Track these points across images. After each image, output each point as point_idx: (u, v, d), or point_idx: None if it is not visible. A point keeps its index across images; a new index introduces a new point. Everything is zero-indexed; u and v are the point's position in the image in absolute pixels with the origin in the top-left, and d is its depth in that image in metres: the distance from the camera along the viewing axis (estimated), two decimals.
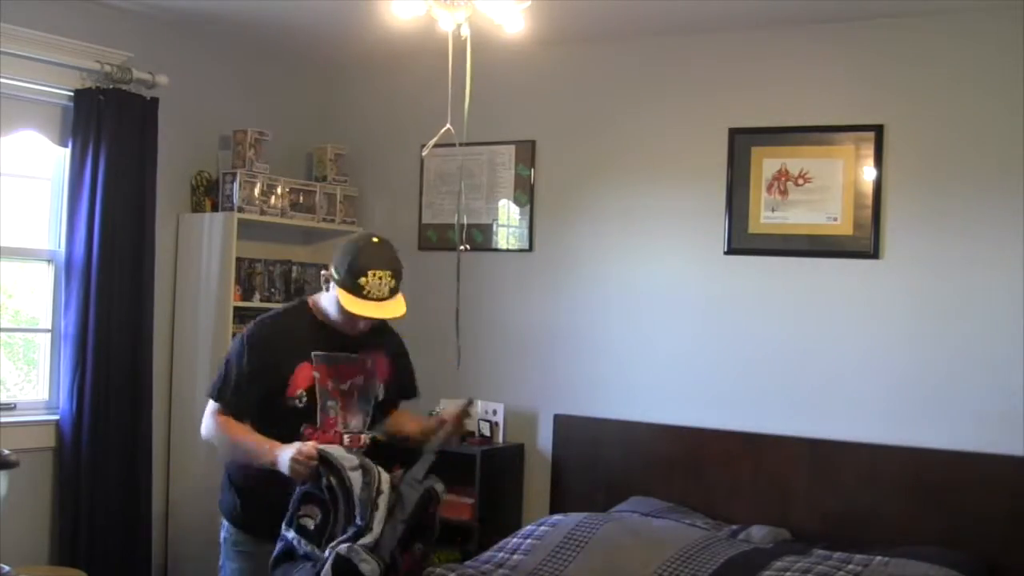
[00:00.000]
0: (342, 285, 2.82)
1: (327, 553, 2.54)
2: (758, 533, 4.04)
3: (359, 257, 2.83)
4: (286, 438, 2.77)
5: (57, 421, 4.29)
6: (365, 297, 2.81)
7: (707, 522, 4.19)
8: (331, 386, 2.92)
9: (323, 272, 2.93)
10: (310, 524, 2.65)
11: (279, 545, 2.70)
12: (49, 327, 4.39)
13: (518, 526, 4.52)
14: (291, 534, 2.68)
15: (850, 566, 3.63)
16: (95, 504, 4.27)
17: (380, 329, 3.03)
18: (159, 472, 4.63)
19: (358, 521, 2.59)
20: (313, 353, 2.90)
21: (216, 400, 2.91)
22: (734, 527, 4.13)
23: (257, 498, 2.92)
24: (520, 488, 4.85)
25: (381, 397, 3.07)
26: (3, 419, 4.11)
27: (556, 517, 4.20)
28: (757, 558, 3.73)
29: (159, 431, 4.63)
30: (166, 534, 4.71)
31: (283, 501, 2.73)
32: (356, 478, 2.66)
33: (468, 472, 4.60)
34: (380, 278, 2.81)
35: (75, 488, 4.24)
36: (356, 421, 2.98)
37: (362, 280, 2.79)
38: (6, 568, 3.55)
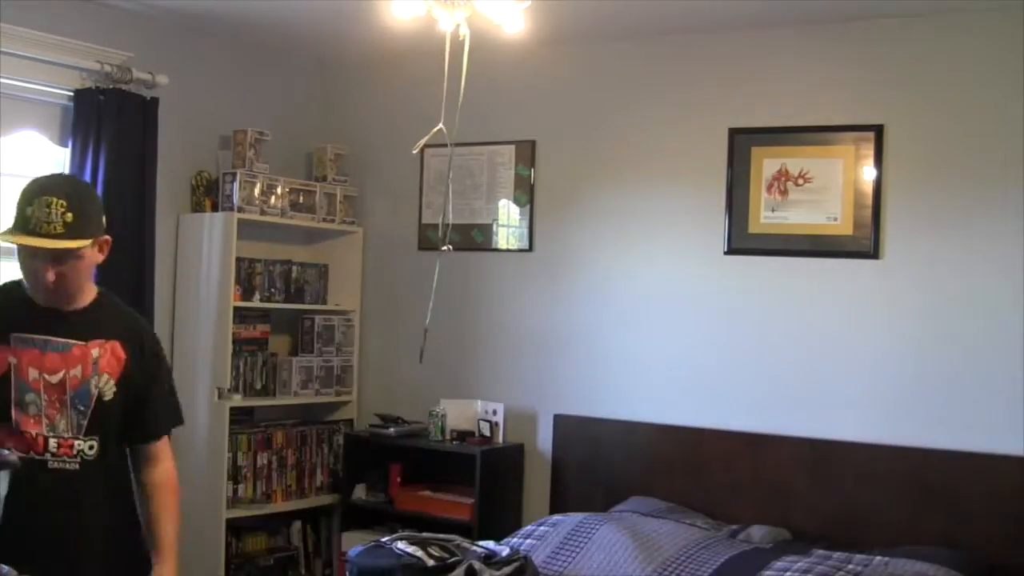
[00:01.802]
0: (11, 226, 2.34)
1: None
2: (758, 533, 4.04)
3: (29, 186, 2.38)
4: None
5: None
6: (31, 232, 2.29)
7: (707, 522, 4.19)
8: (33, 376, 2.39)
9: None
10: None
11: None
12: None
13: (518, 526, 4.52)
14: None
15: (850, 566, 3.63)
16: None
17: (119, 314, 2.56)
18: None
19: None
20: (12, 334, 2.38)
21: None
22: (734, 527, 4.13)
23: None
24: (520, 488, 4.85)
25: (110, 397, 2.50)
26: None
27: (556, 517, 4.21)
28: (757, 558, 3.73)
29: None
30: None
31: None
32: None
33: (468, 472, 4.60)
34: (50, 206, 2.29)
35: None
36: (65, 423, 2.43)
37: (28, 210, 2.30)
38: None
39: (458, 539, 3.79)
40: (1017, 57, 3.93)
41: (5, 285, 2.57)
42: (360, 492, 4.96)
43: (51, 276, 2.34)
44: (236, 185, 4.69)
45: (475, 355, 4.98)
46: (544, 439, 4.84)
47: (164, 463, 2.73)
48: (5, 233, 2.33)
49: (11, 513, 2.19)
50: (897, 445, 4.06)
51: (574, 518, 4.11)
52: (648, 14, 4.35)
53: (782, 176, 4.38)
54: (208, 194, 4.81)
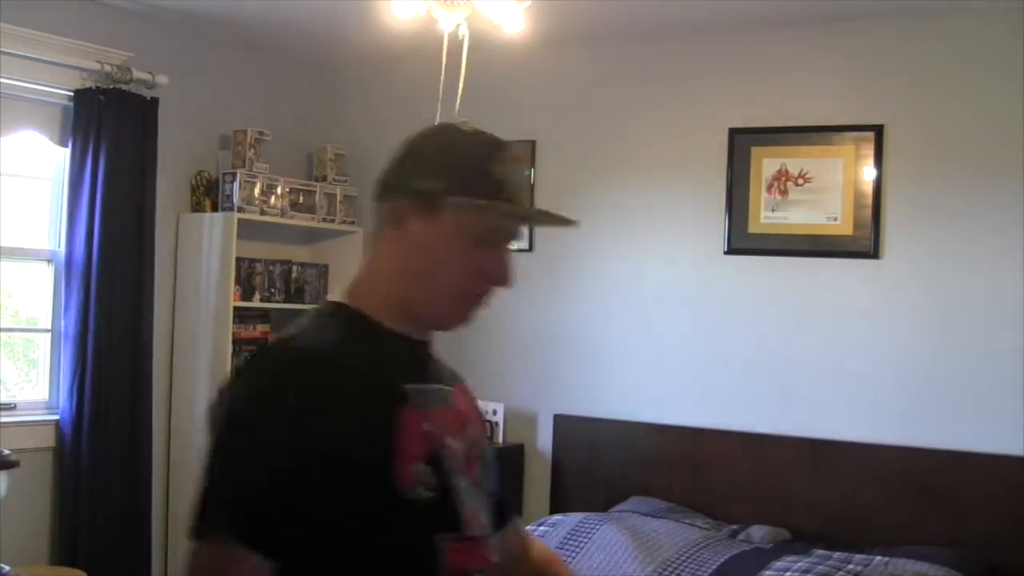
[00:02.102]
0: (467, 191, 1.43)
1: None
2: (758, 533, 4.04)
3: (480, 142, 1.55)
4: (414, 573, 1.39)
5: (57, 421, 4.29)
6: (512, 201, 1.46)
7: (707, 522, 4.19)
8: (453, 447, 1.47)
9: (395, 207, 1.47)
10: None
11: None
12: (49, 327, 4.39)
13: None
14: None
15: (850, 566, 3.63)
16: (95, 504, 4.27)
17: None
18: (159, 472, 4.63)
19: None
20: (406, 387, 1.44)
21: (221, 536, 1.32)
22: (734, 527, 4.13)
23: None
24: (520, 488, 4.85)
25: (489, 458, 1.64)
26: (3, 419, 4.11)
27: (556, 517, 4.21)
28: (757, 558, 3.73)
29: (159, 431, 4.62)
30: (166, 534, 4.71)
31: None
32: None
33: None
34: (517, 164, 1.55)
35: (75, 488, 4.24)
36: (484, 514, 1.51)
37: (498, 170, 1.47)
38: (6, 568, 3.55)
39: None
40: (1017, 57, 3.93)
41: (322, 323, 1.46)
42: None
43: (509, 272, 1.51)
44: (236, 185, 4.69)
45: (475, 355, 4.96)
46: (544, 439, 4.84)
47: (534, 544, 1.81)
48: (484, 205, 1.43)
49: None
50: (897, 445, 4.06)
51: (574, 518, 4.11)
52: (648, 14, 4.35)
53: (782, 176, 4.38)
54: (208, 194, 4.81)
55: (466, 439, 1.50)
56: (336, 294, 1.51)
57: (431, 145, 1.54)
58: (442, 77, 3.01)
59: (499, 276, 1.50)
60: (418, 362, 1.50)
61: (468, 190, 1.43)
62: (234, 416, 1.35)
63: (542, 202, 4.88)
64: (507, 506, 1.64)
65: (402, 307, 1.47)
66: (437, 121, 2.76)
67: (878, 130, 4.19)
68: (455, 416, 1.50)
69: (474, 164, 1.46)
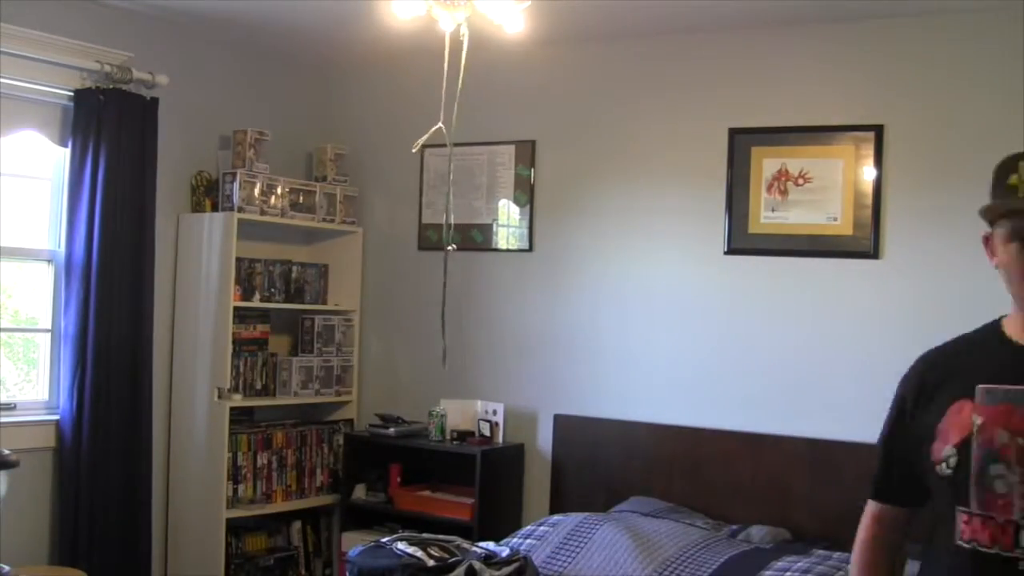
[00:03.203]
0: (1003, 209, 1.83)
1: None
2: (758, 533, 4.04)
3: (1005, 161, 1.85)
4: (931, 536, 1.86)
5: (57, 421, 4.29)
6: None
7: (707, 522, 4.19)
8: (1001, 439, 1.75)
9: (983, 234, 1.94)
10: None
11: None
12: (49, 327, 4.39)
13: (518, 526, 4.52)
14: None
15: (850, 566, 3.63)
16: (95, 504, 4.27)
17: None
18: (159, 472, 4.64)
19: None
20: (978, 386, 1.80)
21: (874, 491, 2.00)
22: (734, 527, 4.13)
23: None
24: (520, 488, 4.85)
25: None
26: (3, 419, 4.11)
27: (556, 517, 4.21)
28: (757, 558, 3.73)
29: (159, 431, 4.63)
30: (166, 534, 4.71)
31: None
32: None
33: (468, 472, 4.60)
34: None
35: (75, 488, 4.24)
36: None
37: (1013, 177, 1.82)
38: (6, 568, 3.55)
39: (458, 540, 3.80)
40: (1017, 57, 3.93)
41: (980, 328, 2.05)
42: (360, 492, 4.96)
43: None
44: (236, 185, 4.69)
45: (475, 355, 4.97)
46: (544, 439, 4.84)
47: None
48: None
49: None
50: None
51: (574, 518, 4.11)
52: (648, 14, 4.35)
53: (782, 176, 4.38)
54: (208, 194, 4.81)
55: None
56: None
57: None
58: (444, 77, 3.00)
59: None
60: (1012, 364, 1.85)
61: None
62: None
63: (542, 201, 4.89)
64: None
65: None
66: (441, 121, 2.86)
67: (878, 130, 4.19)
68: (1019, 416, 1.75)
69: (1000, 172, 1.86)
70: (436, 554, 3.39)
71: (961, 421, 1.79)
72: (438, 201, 5.13)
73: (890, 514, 2.00)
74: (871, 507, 2.01)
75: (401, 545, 3.63)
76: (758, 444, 4.32)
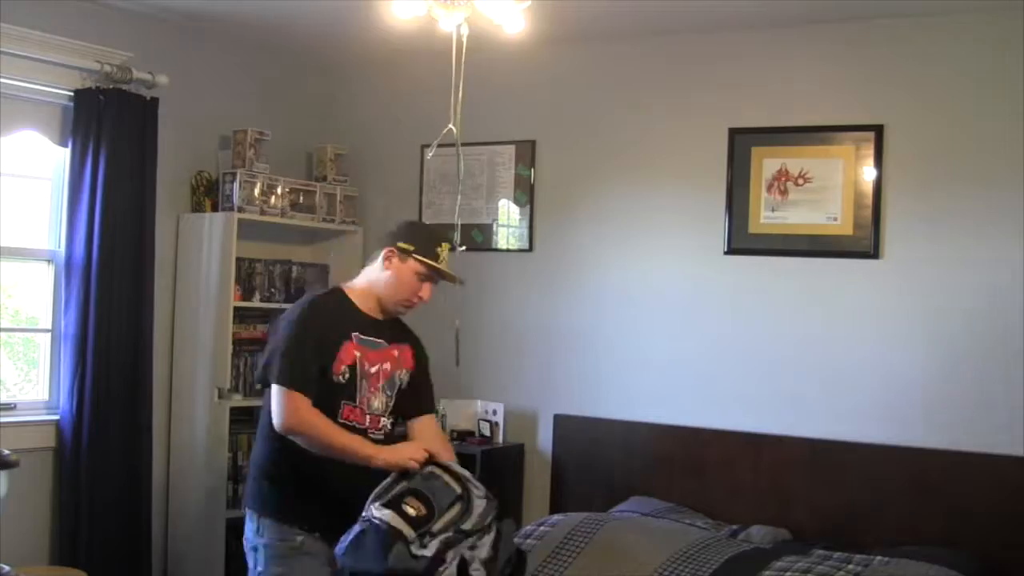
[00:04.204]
0: (423, 254, 3.11)
1: (432, 545, 2.81)
2: (758, 533, 4.04)
3: (433, 233, 3.24)
4: (326, 413, 2.97)
5: (57, 421, 4.30)
6: (439, 264, 3.14)
7: (707, 522, 4.19)
8: (366, 367, 3.09)
9: (388, 250, 3.12)
10: (412, 512, 2.87)
11: (358, 528, 2.83)
12: (49, 327, 4.39)
13: (518, 526, 4.52)
14: (385, 513, 2.83)
15: (850, 566, 3.63)
16: (95, 504, 4.27)
17: (404, 325, 3.29)
18: (159, 472, 4.64)
19: (464, 527, 2.88)
20: (354, 334, 3.08)
21: (289, 386, 2.95)
22: (734, 527, 4.13)
23: (308, 488, 3.02)
24: (520, 488, 4.85)
25: (404, 385, 3.22)
26: (3, 419, 4.11)
27: (556, 517, 4.20)
28: (757, 558, 3.73)
29: (159, 431, 4.63)
30: (166, 534, 4.71)
31: (335, 492, 2.97)
32: (479, 495, 2.96)
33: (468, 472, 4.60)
34: (445, 249, 3.17)
35: (75, 488, 4.24)
36: (378, 403, 3.13)
37: (438, 249, 3.14)
38: (6, 568, 3.55)
39: (441, 476, 3.19)
40: (1017, 57, 3.93)
41: (325, 293, 3.26)
42: None
43: (427, 294, 3.16)
44: (236, 185, 4.69)
45: (475, 355, 4.97)
46: (544, 439, 4.84)
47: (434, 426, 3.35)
48: (423, 262, 3.10)
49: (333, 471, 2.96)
50: (897, 445, 4.07)
51: (574, 518, 4.11)
52: (648, 14, 4.35)
53: (782, 176, 4.38)
54: (208, 194, 4.81)
55: (375, 366, 3.11)
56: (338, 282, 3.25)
57: (410, 226, 3.28)
58: (453, 78, 3.01)
59: (424, 298, 3.17)
60: (369, 324, 3.14)
61: (421, 253, 3.11)
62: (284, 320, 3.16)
63: (542, 201, 4.90)
64: (425, 406, 3.28)
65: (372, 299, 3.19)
66: (452, 122, 3.17)
67: (878, 130, 4.19)
68: (374, 355, 3.11)
69: (428, 240, 3.14)
70: (412, 513, 3.09)
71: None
72: (438, 201, 5.13)
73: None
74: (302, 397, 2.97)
75: (374, 510, 3.25)
76: (758, 444, 4.32)
